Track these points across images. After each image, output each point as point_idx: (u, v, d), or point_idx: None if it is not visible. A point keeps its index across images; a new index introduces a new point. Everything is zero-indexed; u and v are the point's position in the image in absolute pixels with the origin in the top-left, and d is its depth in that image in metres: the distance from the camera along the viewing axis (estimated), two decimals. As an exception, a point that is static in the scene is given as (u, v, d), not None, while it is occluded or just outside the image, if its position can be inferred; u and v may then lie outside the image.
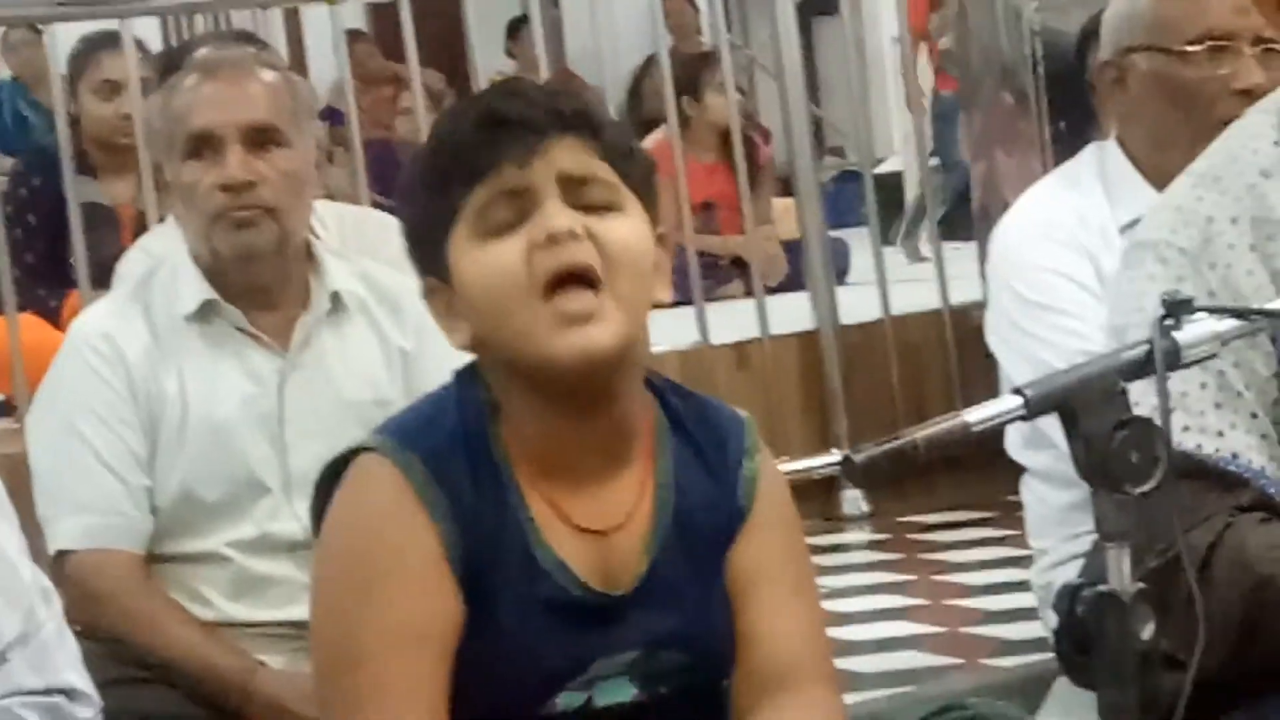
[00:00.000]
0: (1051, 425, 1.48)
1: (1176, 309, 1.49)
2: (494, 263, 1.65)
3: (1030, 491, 2.90)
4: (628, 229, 1.67)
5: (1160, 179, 2.70)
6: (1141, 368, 1.47)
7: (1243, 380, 1.83)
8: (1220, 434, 1.82)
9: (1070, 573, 2.71)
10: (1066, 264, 2.71)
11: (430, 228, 1.70)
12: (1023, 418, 1.46)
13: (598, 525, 1.69)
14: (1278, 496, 1.82)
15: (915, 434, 1.42)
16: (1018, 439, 2.86)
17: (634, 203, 1.69)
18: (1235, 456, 1.82)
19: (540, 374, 1.66)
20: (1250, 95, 2.61)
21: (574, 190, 1.66)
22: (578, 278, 1.63)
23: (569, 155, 1.66)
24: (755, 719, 1.72)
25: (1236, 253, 1.84)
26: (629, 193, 1.69)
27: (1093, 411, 1.44)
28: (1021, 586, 3.16)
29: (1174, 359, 1.48)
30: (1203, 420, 1.82)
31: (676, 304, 3.73)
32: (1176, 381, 1.77)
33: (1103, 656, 1.44)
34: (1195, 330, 1.49)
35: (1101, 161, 2.80)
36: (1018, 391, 1.46)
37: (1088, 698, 2.28)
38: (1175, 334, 1.48)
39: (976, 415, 1.43)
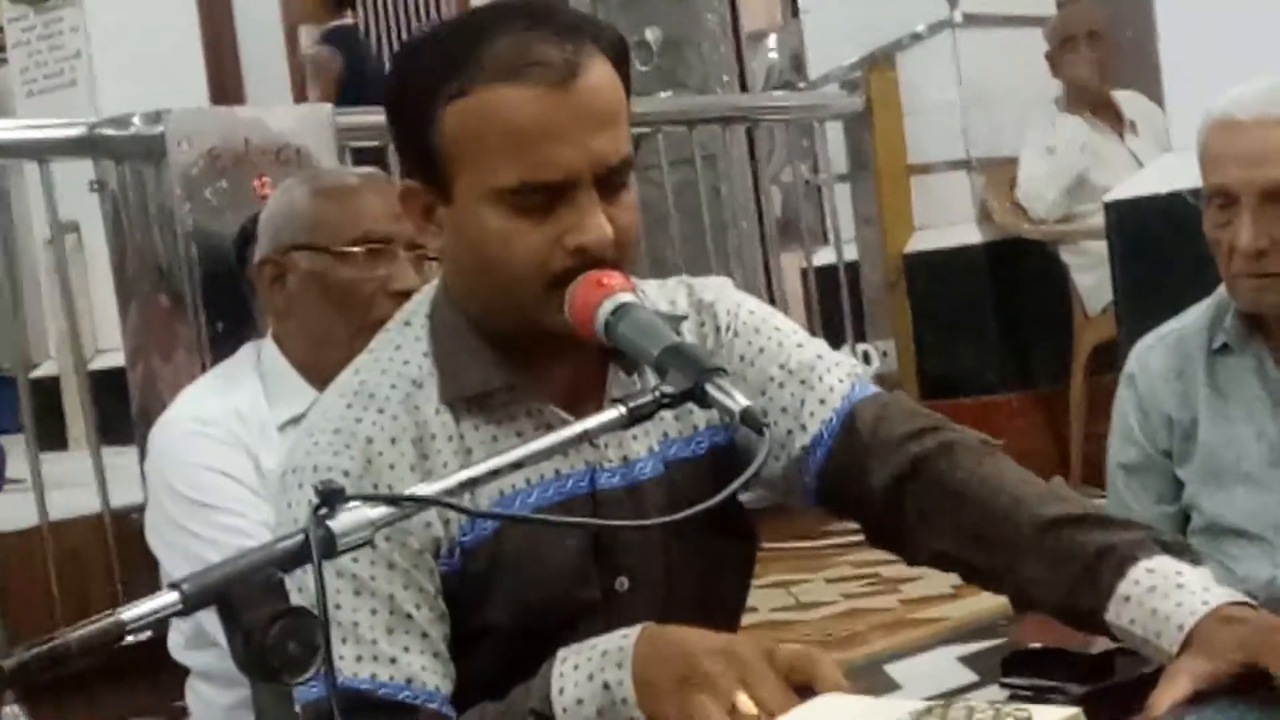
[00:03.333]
0: (212, 623, 1.46)
1: (331, 498, 1.49)
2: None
3: (195, 694, 2.85)
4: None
5: (318, 377, 2.74)
6: (298, 557, 1.47)
7: (413, 601, 1.83)
8: (394, 660, 1.81)
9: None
10: (225, 461, 2.71)
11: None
12: (180, 613, 1.42)
13: None
14: (450, 715, 1.83)
15: (68, 635, 1.37)
16: (180, 640, 2.82)
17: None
18: (409, 682, 1.81)
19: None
20: (405, 296, 2.70)
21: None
22: None
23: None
24: None
25: (398, 473, 1.85)
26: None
27: (251, 603, 1.43)
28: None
29: (330, 547, 1.48)
30: (375, 649, 1.81)
31: None
32: (348, 611, 1.80)
33: None
34: (349, 518, 1.50)
35: (259, 359, 2.82)
36: (174, 586, 1.42)
37: None
38: (330, 523, 1.48)
39: (132, 613, 1.39)
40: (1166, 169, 4.43)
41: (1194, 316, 2.75)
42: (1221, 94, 2.64)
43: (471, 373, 1.92)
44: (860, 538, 2.05)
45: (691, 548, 1.97)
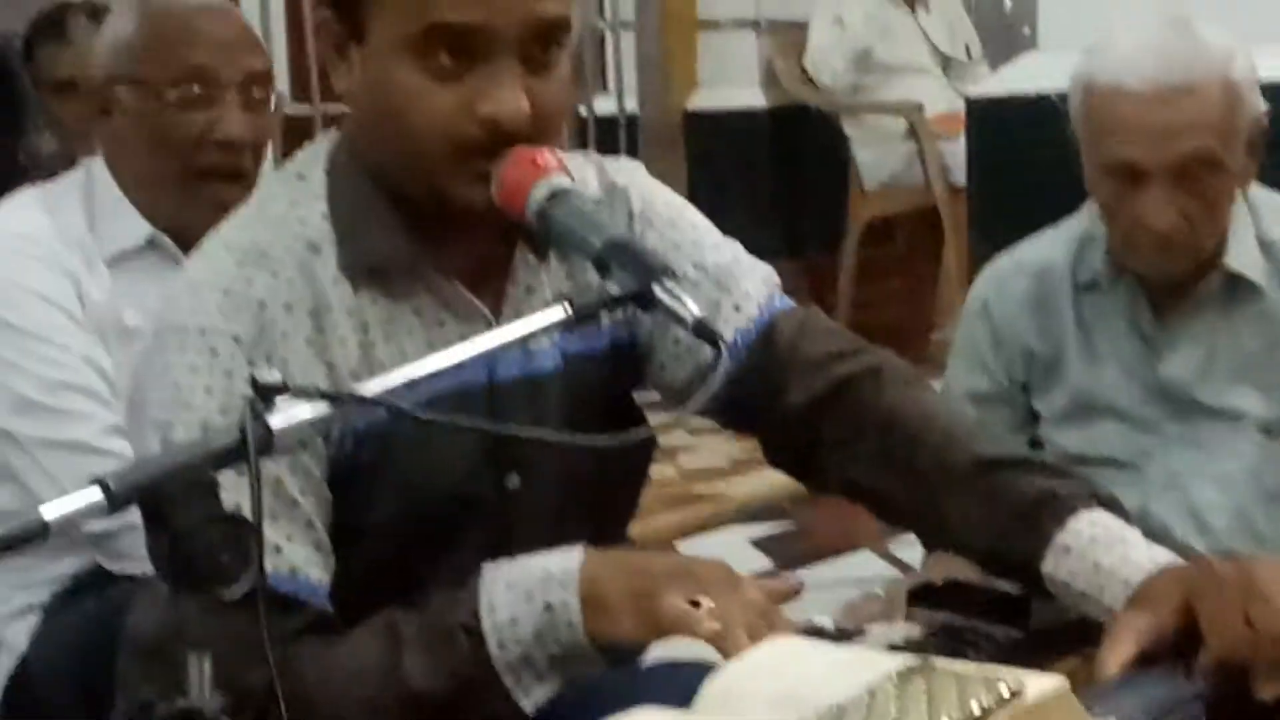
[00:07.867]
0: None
1: (267, 392, 1.35)
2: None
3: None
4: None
5: (152, 214, 2.55)
6: (232, 456, 1.33)
7: (299, 486, 1.69)
8: (277, 549, 1.66)
9: (24, 628, 2.51)
10: (46, 284, 2.50)
11: None
12: (105, 512, 1.28)
13: None
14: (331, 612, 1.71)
15: None
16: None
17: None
18: (293, 573, 1.68)
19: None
20: (232, 146, 2.50)
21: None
22: None
23: None
24: None
25: (291, 344, 1.70)
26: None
27: (180, 504, 1.28)
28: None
29: (267, 444, 1.34)
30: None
31: None
32: (230, 493, 1.47)
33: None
34: (289, 414, 1.36)
35: (89, 183, 2.61)
36: (99, 483, 1.27)
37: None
38: (268, 418, 1.35)
39: (54, 513, 1.24)
40: (1031, 68, 4.35)
41: (1057, 245, 2.62)
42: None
43: (375, 241, 1.77)
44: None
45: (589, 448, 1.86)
